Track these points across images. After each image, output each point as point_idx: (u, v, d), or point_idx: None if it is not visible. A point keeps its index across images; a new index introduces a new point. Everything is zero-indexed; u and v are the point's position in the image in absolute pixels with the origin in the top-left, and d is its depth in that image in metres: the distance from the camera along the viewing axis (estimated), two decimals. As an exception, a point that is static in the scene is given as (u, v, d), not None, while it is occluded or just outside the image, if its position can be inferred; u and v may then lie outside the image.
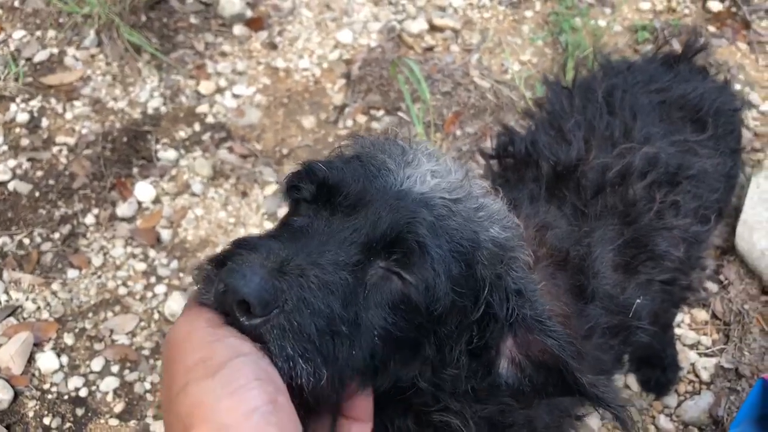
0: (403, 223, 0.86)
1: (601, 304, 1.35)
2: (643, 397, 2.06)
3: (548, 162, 1.43)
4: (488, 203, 0.99)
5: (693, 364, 2.12)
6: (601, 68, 1.75)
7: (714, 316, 2.23)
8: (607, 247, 1.38)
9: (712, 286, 2.27)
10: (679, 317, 2.21)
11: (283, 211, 2.48)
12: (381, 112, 2.82)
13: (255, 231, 2.45)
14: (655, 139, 1.46)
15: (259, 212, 2.51)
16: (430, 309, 0.88)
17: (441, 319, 0.90)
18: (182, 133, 2.73)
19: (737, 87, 2.83)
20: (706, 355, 2.15)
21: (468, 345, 0.94)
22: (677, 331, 2.18)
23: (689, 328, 2.21)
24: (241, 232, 2.45)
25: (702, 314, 2.23)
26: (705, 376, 2.09)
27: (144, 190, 2.52)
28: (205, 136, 2.73)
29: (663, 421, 2.01)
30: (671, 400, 2.05)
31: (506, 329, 0.93)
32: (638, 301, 1.40)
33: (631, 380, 2.09)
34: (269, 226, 2.48)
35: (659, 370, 2.06)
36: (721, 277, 2.29)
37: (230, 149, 2.68)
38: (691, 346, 2.17)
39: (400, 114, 2.79)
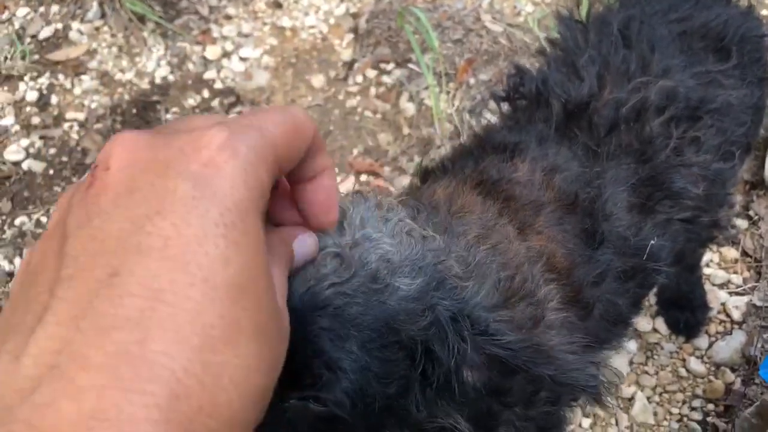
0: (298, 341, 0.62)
1: (613, 247, 1.29)
2: (672, 340, 2.02)
3: (559, 100, 1.36)
4: (390, 255, 0.79)
5: (723, 304, 2.06)
6: (618, 0, 1.65)
7: (744, 253, 2.16)
8: (621, 187, 1.32)
9: (741, 223, 2.20)
10: (707, 256, 2.14)
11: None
12: (391, 66, 2.75)
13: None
14: (675, 72, 1.37)
15: (272, 176, 2.48)
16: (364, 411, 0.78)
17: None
18: (191, 101, 2.70)
19: (763, 12, 2.70)
20: (737, 293, 2.09)
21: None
22: (706, 270, 2.12)
23: (718, 267, 2.14)
24: (256, 197, 2.42)
25: (731, 252, 2.16)
26: (736, 315, 2.04)
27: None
28: (215, 102, 2.69)
29: (694, 363, 1.96)
30: (702, 341, 2.00)
31: (454, 366, 0.82)
32: (653, 242, 1.34)
33: (660, 323, 2.04)
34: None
35: (688, 312, 2.00)
36: (751, 213, 2.21)
37: (240, 114, 2.64)
38: (721, 286, 2.10)
39: (411, 66, 2.72)
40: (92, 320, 0.38)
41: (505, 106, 1.51)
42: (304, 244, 0.61)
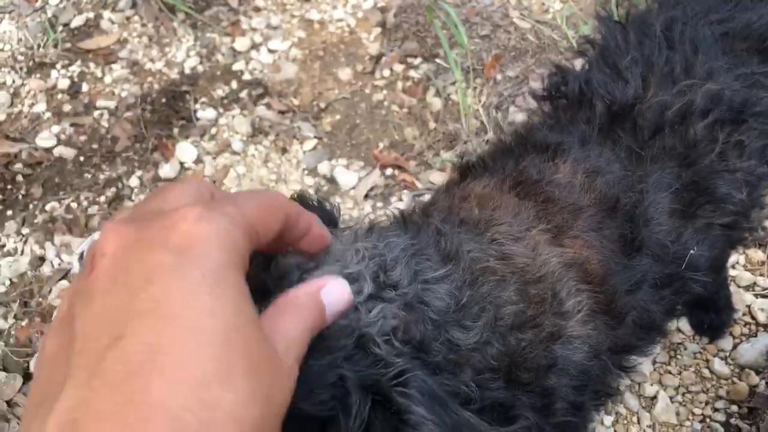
0: None
1: (652, 254, 1.29)
2: (696, 341, 2.01)
3: (603, 101, 1.35)
4: None
5: (749, 306, 2.05)
6: (656, 1, 1.65)
7: (771, 256, 2.15)
8: (663, 192, 1.31)
9: (768, 225, 2.18)
10: (733, 258, 2.13)
11: (322, 166, 2.47)
12: (418, 60, 2.76)
13: (296, 187, 2.45)
14: (719, 74, 1.37)
15: (299, 168, 2.50)
16: None
17: None
18: (220, 92, 2.72)
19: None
20: (763, 296, 2.08)
21: None
22: (732, 272, 2.11)
23: (744, 269, 2.13)
24: (283, 189, 2.45)
25: (758, 254, 2.15)
26: (762, 317, 2.03)
27: (186, 150, 2.53)
28: (243, 94, 2.71)
29: (718, 364, 1.96)
30: (726, 343, 2.00)
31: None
32: (692, 251, 1.33)
33: (684, 324, 2.04)
34: (310, 182, 2.47)
35: (713, 313, 1.99)
36: (778, 215, 2.20)
37: (268, 105, 2.66)
38: (747, 288, 2.10)
39: (438, 61, 2.73)
40: (102, 378, 0.45)
41: (546, 106, 1.51)
42: (332, 291, 0.68)
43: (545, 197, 1.27)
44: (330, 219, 1.11)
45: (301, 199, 1.12)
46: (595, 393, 1.32)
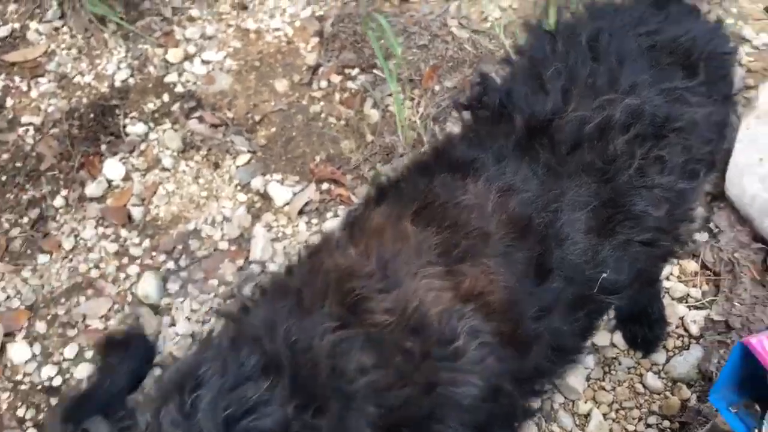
0: None
1: (564, 276, 1.26)
2: (630, 355, 2.00)
3: (522, 115, 1.32)
4: None
5: (682, 318, 2.05)
6: (587, 10, 1.61)
7: (704, 266, 2.14)
8: (580, 209, 1.28)
9: (701, 236, 2.18)
10: (667, 269, 2.13)
11: (256, 182, 2.41)
12: (356, 71, 2.71)
13: (228, 204, 2.38)
14: (642, 88, 1.34)
15: (232, 183, 2.44)
16: None
17: None
18: (151, 105, 2.64)
19: (729, 21, 2.69)
20: (696, 307, 2.07)
21: None
22: (665, 284, 2.11)
23: (678, 280, 2.13)
24: (214, 206, 2.38)
25: (691, 265, 2.14)
26: (694, 329, 2.02)
27: (113, 168, 2.45)
28: (175, 107, 2.64)
29: (651, 378, 1.95)
30: (660, 356, 1.99)
31: None
32: (604, 275, 1.30)
33: (618, 338, 2.02)
34: (242, 198, 2.40)
35: (646, 327, 1.98)
36: (711, 225, 2.20)
37: (200, 119, 2.59)
38: (680, 299, 2.09)
39: (376, 71, 2.68)
40: None
41: (468, 116, 1.47)
42: None
43: (450, 222, 1.23)
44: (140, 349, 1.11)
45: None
46: (504, 421, 1.28)
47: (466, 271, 1.20)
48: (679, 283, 2.11)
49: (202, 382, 0.98)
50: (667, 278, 2.13)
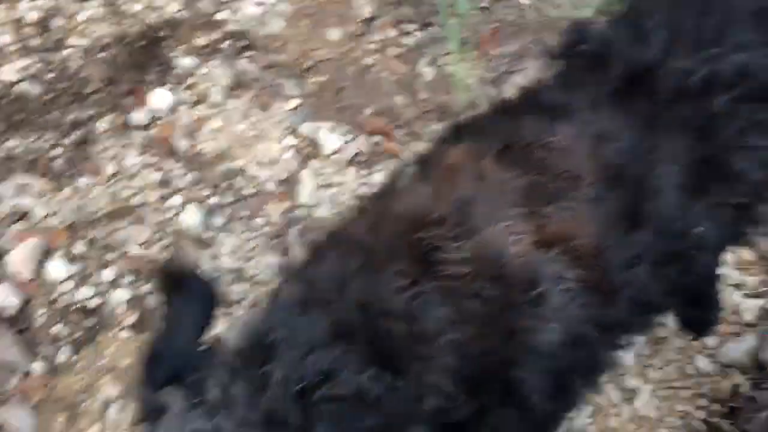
0: None
1: (655, 229, 1.22)
2: (681, 336, 1.96)
3: (621, 63, 1.27)
4: None
5: (736, 305, 2.01)
6: None
7: (761, 256, 2.10)
8: (675, 164, 1.23)
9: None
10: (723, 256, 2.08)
11: (305, 127, 2.35)
12: (413, 26, 2.64)
13: (275, 146, 2.32)
14: (751, 48, 1.28)
15: (280, 126, 2.38)
16: None
17: None
18: (201, 40, 2.57)
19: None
20: (750, 296, 2.03)
21: None
22: (721, 270, 2.06)
23: (734, 267, 2.08)
24: (261, 147, 2.32)
25: (748, 254, 2.10)
26: (748, 317, 1.98)
27: (160, 98, 2.38)
28: (225, 44, 2.57)
29: (701, 361, 1.91)
30: (711, 341, 1.95)
31: None
32: (701, 229, 1.26)
33: (670, 318, 1.98)
34: (291, 142, 2.34)
35: (701, 309, 1.94)
36: (770, 216, 2.15)
37: (251, 59, 2.53)
38: (735, 286, 2.05)
39: (433, 29, 2.62)
40: None
41: (559, 65, 1.42)
42: None
43: (536, 164, 1.19)
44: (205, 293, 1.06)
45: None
46: (585, 370, 1.25)
47: (551, 215, 1.15)
48: (734, 270, 2.07)
49: (273, 352, 0.96)
50: (723, 265, 2.09)
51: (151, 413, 0.96)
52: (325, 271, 1.11)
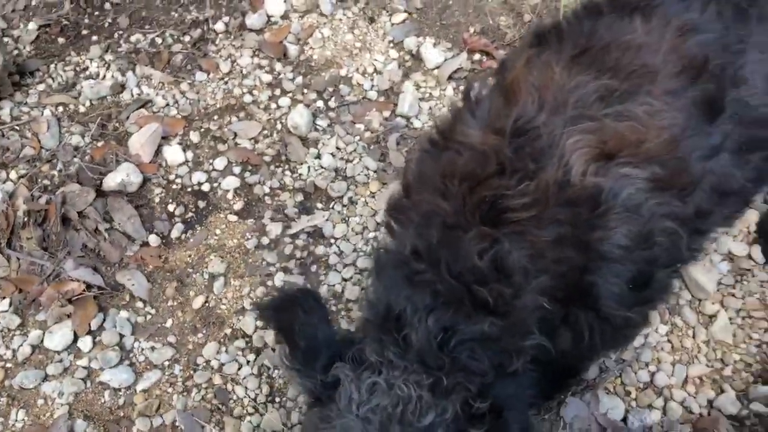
0: None
1: (737, 117, 1.21)
2: (765, 270, 1.97)
3: None
4: None
5: (827, 245, 1.99)
6: None
7: None
8: (765, 53, 1.22)
9: None
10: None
11: (409, 41, 2.41)
12: (523, -50, 2.63)
13: (380, 57, 2.40)
14: None
15: (385, 39, 2.44)
16: None
17: None
18: (314, -48, 2.65)
19: None
20: (844, 237, 2.01)
21: None
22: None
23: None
24: (367, 57, 2.40)
25: None
26: (839, 258, 1.97)
27: (274, 4, 2.48)
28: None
29: (784, 295, 1.93)
30: (797, 276, 1.95)
31: None
32: None
33: (756, 251, 1.98)
34: (395, 54, 2.41)
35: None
36: None
37: (362, -28, 2.59)
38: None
39: (544, -47, 2.60)
40: None
41: None
42: None
43: (612, 64, 1.18)
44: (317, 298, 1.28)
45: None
46: (668, 260, 1.25)
47: (621, 115, 1.16)
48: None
49: (402, 321, 1.15)
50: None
51: (326, 388, 1.17)
52: (415, 246, 1.20)
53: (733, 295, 1.94)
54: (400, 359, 1.13)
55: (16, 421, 1.81)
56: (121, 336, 1.91)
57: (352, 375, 1.14)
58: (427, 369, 1.11)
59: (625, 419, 1.76)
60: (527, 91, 1.19)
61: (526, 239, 1.12)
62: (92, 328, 1.91)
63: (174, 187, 2.14)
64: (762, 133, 1.23)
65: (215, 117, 2.27)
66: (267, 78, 2.34)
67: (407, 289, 1.17)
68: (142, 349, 1.90)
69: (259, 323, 1.88)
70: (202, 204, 2.11)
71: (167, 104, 2.29)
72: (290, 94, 2.31)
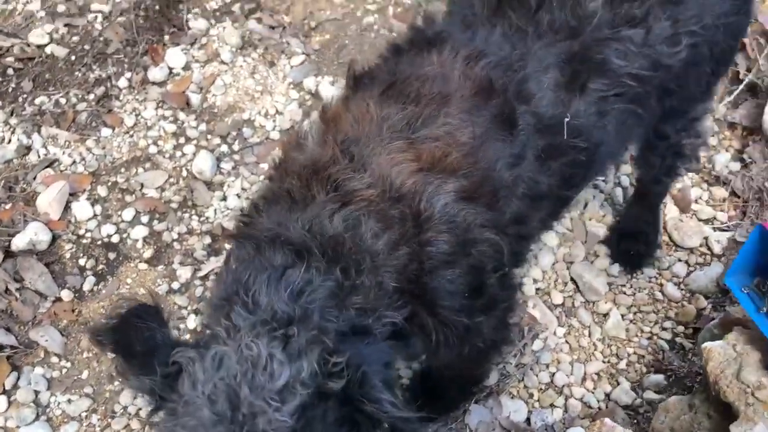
0: None
1: (532, 128, 1.31)
2: (653, 265, 2.10)
3: None
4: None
5: (706, 238, 2.14)
6: None
7: (733, 193, 2.23)
8: (546, 66, 1.32)
9: (734, 165, 2.26)
10: (696, 193, 2.22)
11: (308, 81, 2.52)
12: (414, -13, 2.78)
13: (281, 99, 2.50)
14: None
15: (285, 81, 2.55)
16: None
17: None
18: (213, 4, 2.75)
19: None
20: (721, 230, 2.16)
21: None
22: (694, 206, 2.20)
23: (706, 204, 2.21)
24: (268, 100, 2.50)
25: (721, 191, 2.23)
26: (717, 249, 2.12)
27: (175, 57, 2.57)
28: (235, 7, 2.74)
29: (671, 288, 2.06)
30: (681, 269, 2.09)
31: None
32: (566, 119, 1.34)
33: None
34: (295, 95, 2.52)
35: (641, 244, 2.07)
36: (745, 156, 2.27)
37: (259, 20, 2.70)
38: (706, 221, 2.18)
39: (431, -11, 2.75)
40: None
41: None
42: None
43: (415, 94, 1.28)
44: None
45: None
46: (495, 264, 1.34)
47: (427, 138, 1.25)
48: (707, 207, 2.20)
49: (251, 283, 1.12)
50: (696, 201, 2.22)
51: (168, 382, 1.07)
52: (263, 222, 1.23)
53: (624, 293, 2.07)
54: (247, 321, 1.07)
55: (-66, 488, 1.82)
56: (37, 392, 1.94)
57: (194, 353, 1.05)
58: (278, 324, 1.06)
59: (528, 420, 1.85)
60: (347, 122, 1.28)
61: (375, 209, 1.19)
62: (6, 388, 1.93)
63: (84, 241, 2.18)
64: (556, 140, 1.34)
65: (122, 170, 2.33)
66: (171, 128, 2.41)
67: (256, 257, 1.16)
68: (59, 403, 1.93)
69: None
70: (112, 255, 2.16)
71: (74, 162, 2.34)
72: (194, 141, 2.39)
